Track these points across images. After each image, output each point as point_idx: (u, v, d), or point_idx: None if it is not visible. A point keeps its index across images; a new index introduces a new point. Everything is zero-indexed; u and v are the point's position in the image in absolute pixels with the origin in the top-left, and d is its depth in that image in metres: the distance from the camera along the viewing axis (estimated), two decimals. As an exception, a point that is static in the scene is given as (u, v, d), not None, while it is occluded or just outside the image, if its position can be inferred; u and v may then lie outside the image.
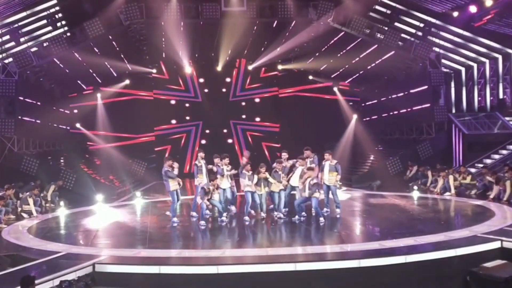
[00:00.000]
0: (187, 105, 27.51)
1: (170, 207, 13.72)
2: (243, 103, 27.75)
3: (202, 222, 13.21)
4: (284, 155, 14.51)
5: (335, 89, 27.63)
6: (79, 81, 25.15)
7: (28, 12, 20.24)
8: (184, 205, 16.35)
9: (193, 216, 14.29)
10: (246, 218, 13.49)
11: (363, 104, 27.79)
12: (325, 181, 13.88)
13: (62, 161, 23.03)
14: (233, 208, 14.64)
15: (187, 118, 27.52)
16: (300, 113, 26.86)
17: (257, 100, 27.78)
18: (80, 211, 17.02)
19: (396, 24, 22.26)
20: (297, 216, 13.25)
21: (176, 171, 13.49)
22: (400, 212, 14.97)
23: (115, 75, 26.12)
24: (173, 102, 27.39)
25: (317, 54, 25.31)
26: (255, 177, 13.42)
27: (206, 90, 27.51)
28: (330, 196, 14.05)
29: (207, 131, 27.49)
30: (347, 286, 9.55)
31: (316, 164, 13.97)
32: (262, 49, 24.90)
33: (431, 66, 21.68)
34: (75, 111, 25.77)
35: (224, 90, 27.66)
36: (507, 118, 22.58)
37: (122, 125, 26.56)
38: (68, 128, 25.47)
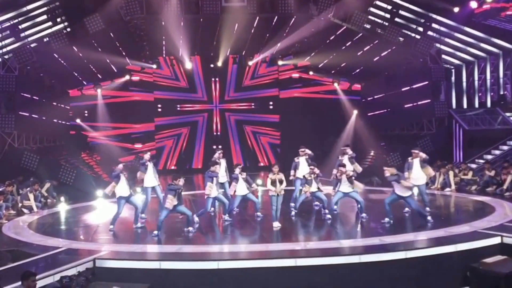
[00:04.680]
0: (186, 100, 27.44)
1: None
2: (243, 99, 27.68)
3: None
4: (302, 150, 14.18)
5: (335, 84, 27.58)
6: (79, 77, 25.09)
7: (28, 7, 20.20)
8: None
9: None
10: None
11: (363, 100, 27.71)
12: (415, 180, 12.86)
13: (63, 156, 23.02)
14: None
15: (187, 113, 27.44)
16: (300, 108, 26.80)
17: (257, 95, 27.72)
18: (80, 206, 17.07)
19: (397, 19, 22.21)
20: (387, 219, 12.61)
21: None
22: (400, 207, 14.95)
23: (115, 70, 26.06)
24: (172, 97, 27.31)
25: (317, 50, 25.24)
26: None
27: (206, 86, 27.44)
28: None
29: (207, 129, 27.45)
30: (347, 281, 9.58)
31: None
32: (262, 45, 24.83)
33: (432, 62, 21.64)
34: (76, 106, 25.72)
35: (224, 85, 27.58)
36: (507, 114, 22.60)
37: (122, 121, 26.51)
38: (69, 123, 25.44)
